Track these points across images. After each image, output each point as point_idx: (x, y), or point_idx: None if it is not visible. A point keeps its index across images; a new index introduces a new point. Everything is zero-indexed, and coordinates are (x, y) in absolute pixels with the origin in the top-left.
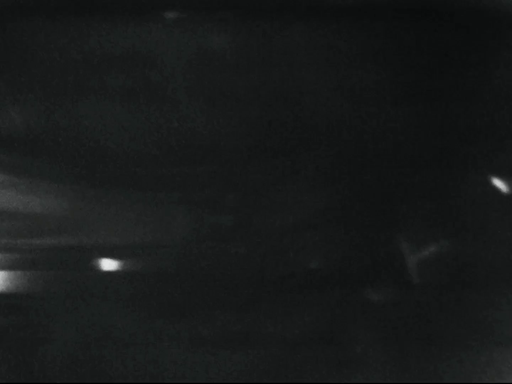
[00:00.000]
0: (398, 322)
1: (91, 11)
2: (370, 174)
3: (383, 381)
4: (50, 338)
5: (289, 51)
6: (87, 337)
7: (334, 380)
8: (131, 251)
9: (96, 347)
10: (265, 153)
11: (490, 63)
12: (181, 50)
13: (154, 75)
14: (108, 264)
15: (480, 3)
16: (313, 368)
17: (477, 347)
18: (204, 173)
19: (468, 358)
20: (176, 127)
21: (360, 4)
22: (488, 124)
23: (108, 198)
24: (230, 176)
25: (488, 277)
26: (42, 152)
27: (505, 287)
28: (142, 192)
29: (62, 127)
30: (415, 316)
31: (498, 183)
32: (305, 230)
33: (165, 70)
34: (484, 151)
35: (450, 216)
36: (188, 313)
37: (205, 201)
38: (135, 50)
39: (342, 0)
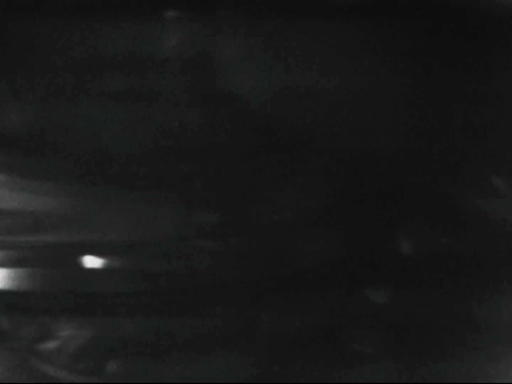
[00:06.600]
0: (398, 322)
1: (91, 11)
2: (370, 173)
3: (383, 380)
4: (49, 336)
5: (289, 51)
6: (87, 335)
7: (334, 379)
8: (124, 249)
9: (95, 345)
10: (264, 152)
11: (490, 63)
12: (181, 50)
13: (154, 75)
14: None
15: (480, 3)
16: (313, 367)
17: (478, 347)
18: (198, 171)
19: (468, 358)
20: (176, 127)
21: (360, 4)
22: (488, 124)
23: (101, 196)
24: (227, 174)
25: (488, 277)
26: (40, 152)
27: (505, 287)
28: (136, 191)
29: (61, 127)
30: (415, 316)
31: (498, 183)
32: (304, 229)
33: (165, 70)
34: (484, 151)
35: (450, 216)
36: (186, 312)
37: (193, 199)
38: (135, 50)
39: (342, 0)
